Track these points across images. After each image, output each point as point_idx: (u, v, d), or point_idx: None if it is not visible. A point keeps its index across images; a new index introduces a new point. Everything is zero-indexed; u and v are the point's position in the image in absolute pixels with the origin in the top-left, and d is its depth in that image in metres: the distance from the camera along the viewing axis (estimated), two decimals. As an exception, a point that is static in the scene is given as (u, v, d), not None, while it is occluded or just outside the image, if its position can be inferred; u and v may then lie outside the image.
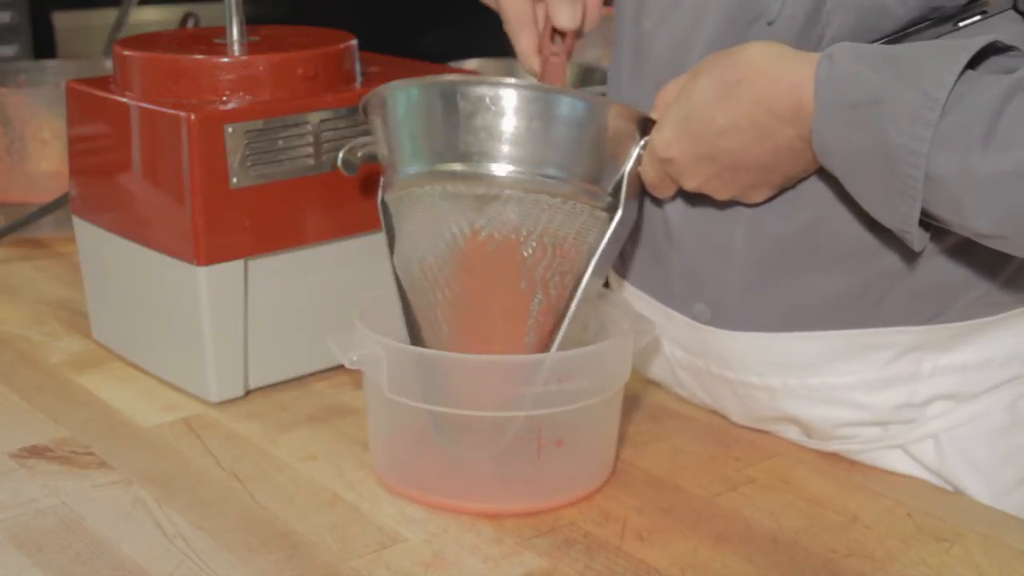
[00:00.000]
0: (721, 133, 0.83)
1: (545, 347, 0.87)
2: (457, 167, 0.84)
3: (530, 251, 0.84)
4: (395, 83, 0.86)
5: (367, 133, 0.95)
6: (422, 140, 0.86)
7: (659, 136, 0.86)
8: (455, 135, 0.83)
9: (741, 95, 0.82)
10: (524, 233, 0.84)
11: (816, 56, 0.80)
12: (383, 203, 0.90)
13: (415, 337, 0.90)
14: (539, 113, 0.83)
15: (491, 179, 0.83)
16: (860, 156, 0.78)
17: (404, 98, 0.86)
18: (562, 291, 0.86)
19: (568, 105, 0.84)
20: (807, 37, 0.84)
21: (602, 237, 0.87)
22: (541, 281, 0.85)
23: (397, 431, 0.90)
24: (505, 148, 0.83)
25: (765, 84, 0.81)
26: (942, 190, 0.76)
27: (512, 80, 0.84)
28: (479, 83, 0.83)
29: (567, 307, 0.87)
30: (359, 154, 0.97)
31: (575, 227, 0.85)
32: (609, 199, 0.87)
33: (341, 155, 0.97)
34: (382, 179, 0.90)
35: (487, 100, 0.82)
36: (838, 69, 0.78)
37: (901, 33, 0.82)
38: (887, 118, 0.76)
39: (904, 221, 0.78)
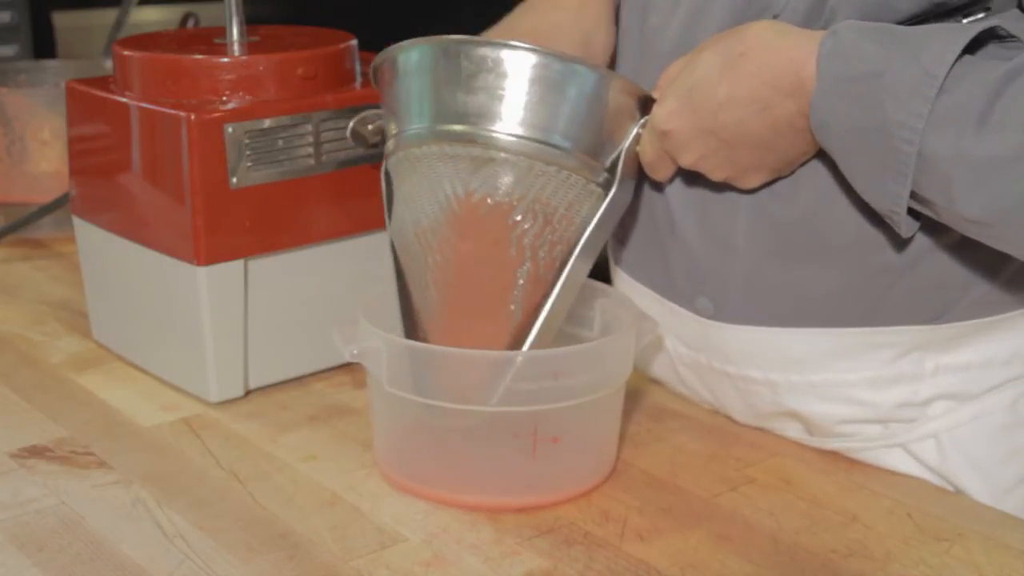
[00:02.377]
0: (722, 106, 0.83)
1: (530, 321, 0.86)
2: (455, 127, 0.84)
3: (520, 217, 0.84)
4: (404, 42, 0.87)
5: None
6: (424, 99, 0.86)
7: (660, 108, 0.86)
8: (455, 95, 0.84)
9: (744, 68, 0.82)
10: (516, 198, 0.84)
11: (820, 33, 0.80)
12: (386, 172, 0.91)
13: (405, 304, 0.90)
14: (540, 78, 0.83)
15: (487, 140, 0.83)
16: (856, 132, 0.79)
17: (410, 56, 0.86)
18: (550, 263, 0.86)
19: (571, 73, 0.84)
20: (810, 29, 0.84)
21: (594, 213, 0.86)
22: (530, 249, 0.85)
23: (397, 425, 0.90)
24: (504, 111, 0.83)
25: (768, 57, 0.81)
26: (934, 170, 0.76)
27: (517, 42, 0.84)
28: (484, 44, 0.83)
29: (554, 281, 0.86)
30: (369, 127, 0.98)
31: (568, 198, 0.85)
32: (605, 175, 0.86)
33: (351, 125, 0.98)
34: (386, 148, 0.90)
35: (489, 61, 0.82)
36: (841, 43, 0.79)
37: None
38: (886, 92, 0.76)
39: (894, 201, 0.78)
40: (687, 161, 0.87)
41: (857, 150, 0.80)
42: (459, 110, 0.84)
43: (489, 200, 0.84)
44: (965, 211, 0.76)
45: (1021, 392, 0.92)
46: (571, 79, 0.84)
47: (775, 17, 0.86)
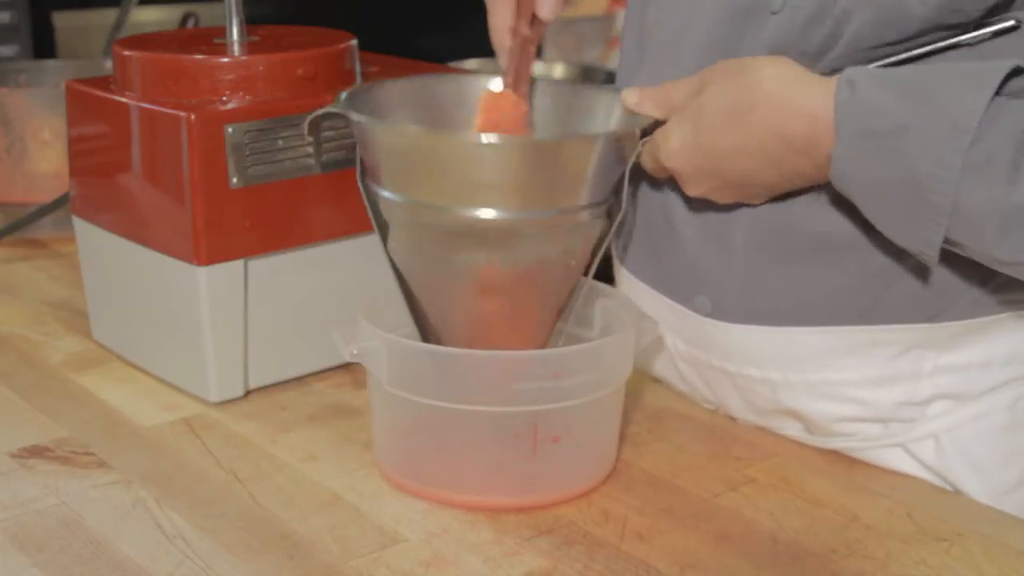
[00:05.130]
0: (729, 155, 0.83)
1: (546, 340, 0.88)
2: (470, 212, 0.82)
3: (543, 273, 0.86)
4: (407, 125, 0.87)
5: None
6: (433, 177, 0.84)
7: (666, 144, 0.86)
8: (464, 177, 0.82)
9: (754, 122, 0.81)
10: (538, 260, 0.85)
11: (832, 81, 0.79)
12: (364, 185, 0.89)
13: (420, 322, 0.91)
14: (546, 155, 0.82)
15: (501, 219, 0.82)
16: (883, 184, 0.78)
17: (411, 135, 0.85)
18: (570, 290, 0.89)
19: (575, 143, 0.84)
20: (813, 30, 0.83)
21: (606, 233, 0.88)
22: (555, 294, 0.88)
23: (397, 425, 0.90)
24: (516, 189, 0.82)
25: (779, 112, 0.80)
26: (966, 219, 0.75)
27: (509, 136, 0.84)
28: (475, 136, 0.84)
29: (568, 303, 0.89)
30: (324, 123, 0.97)
31: (582, 237, 0.87)
32: (612, 198, 0.87)
33: (308, 119, 0.95)
34: (360, 161, 0.89)
35: (493, 149, 0.81)
36: (860, 96, 0.77)
37: (920, 36, 0.81)
38: (913, 146, 0.75)
39: (926, 245, 0.78)
40: (694, 194, 0.88)
41: (884, 201, 0.79)
42: (471, 192, 0.82)
43: (510, 269, 0.85)
44: (999, 255, 0.76)
45: (1021, 393, 0.92)
46: (575, 148, 0.83)
47: (774, 13, 0.85)
